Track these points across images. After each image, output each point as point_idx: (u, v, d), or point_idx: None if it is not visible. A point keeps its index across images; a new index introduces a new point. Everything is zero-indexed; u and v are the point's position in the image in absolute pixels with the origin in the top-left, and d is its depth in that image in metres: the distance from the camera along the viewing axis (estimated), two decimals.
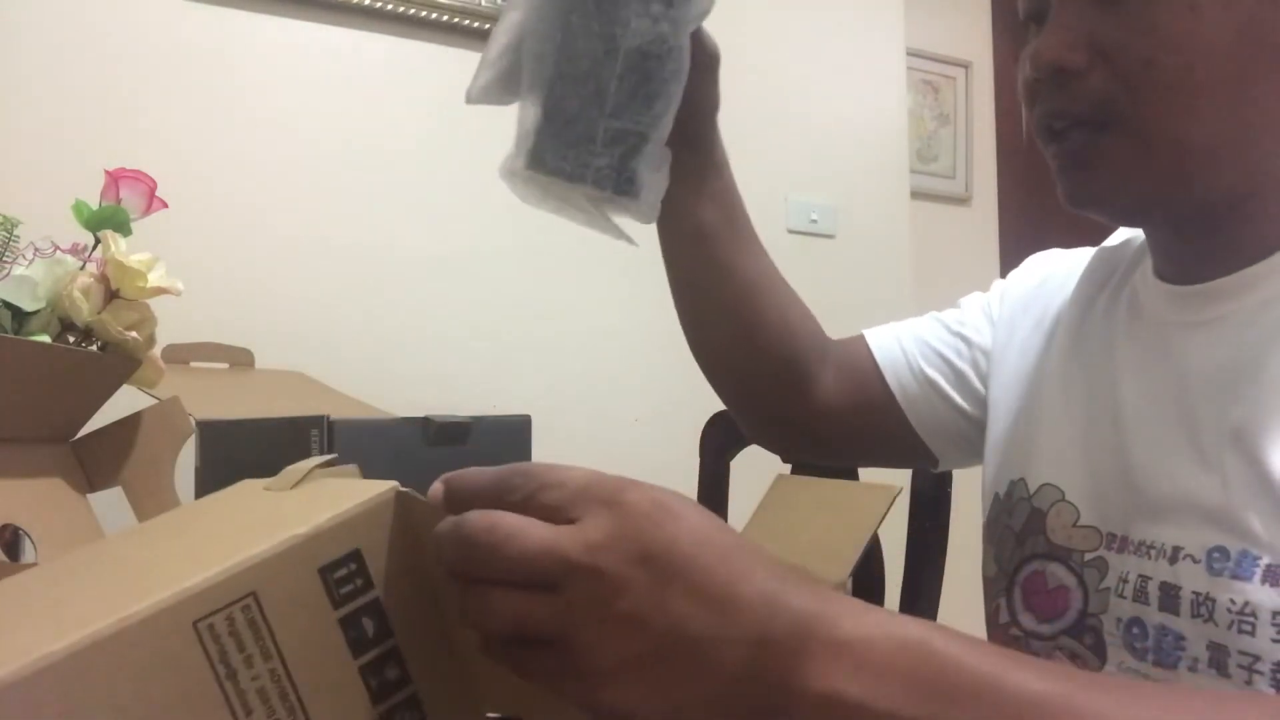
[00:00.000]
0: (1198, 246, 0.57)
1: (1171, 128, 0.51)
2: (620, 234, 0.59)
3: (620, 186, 0.56)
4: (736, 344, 0.72)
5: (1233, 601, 0.47)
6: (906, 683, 0.30)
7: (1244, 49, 0.50)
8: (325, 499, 0.38)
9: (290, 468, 0.42)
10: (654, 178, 0.57)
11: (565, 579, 0.32)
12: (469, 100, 0.59)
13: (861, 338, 0.78)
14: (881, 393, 0.74)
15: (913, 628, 0.32)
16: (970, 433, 0.72)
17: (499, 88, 0.58)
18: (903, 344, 0.75)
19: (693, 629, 0.31)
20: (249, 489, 0.43)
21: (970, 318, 0.75)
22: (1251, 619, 0.47)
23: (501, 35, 0.58)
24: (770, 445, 0.80)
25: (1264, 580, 0.47)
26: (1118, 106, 0.52)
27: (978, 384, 0.72)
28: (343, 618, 0.35)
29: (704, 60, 0.60)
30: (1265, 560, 0.47)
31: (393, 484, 0.37)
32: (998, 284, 0.76)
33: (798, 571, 0.33)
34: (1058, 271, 0.72)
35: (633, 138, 0.55)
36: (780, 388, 0.74)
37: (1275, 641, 0.46)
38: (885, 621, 0.32)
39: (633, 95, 0.55)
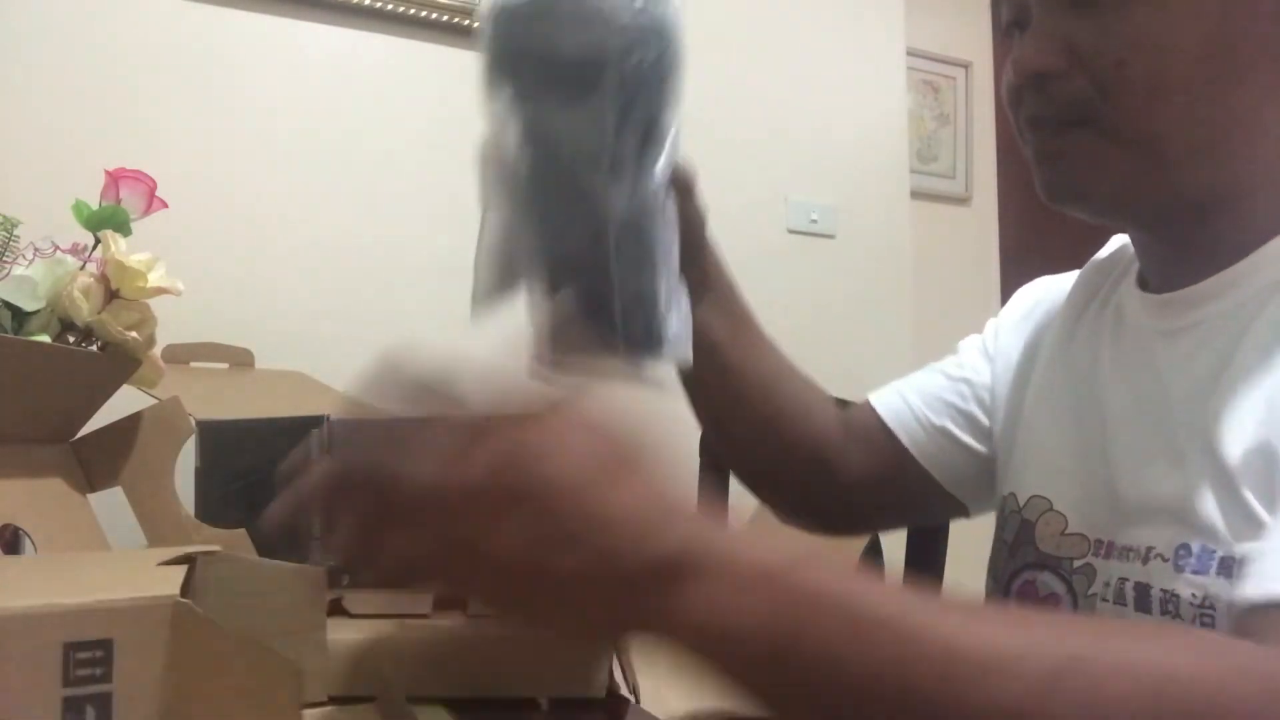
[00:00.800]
0: (1176, 250, 0.58)
1: (1141, 126, 0.53)
2: (655, 384, 0.57)
3: (650, 349, 0.54)
4: (760, 442, 0.74)
5: (1194, 595, 0.49)
6: (767, 606, 0.34)
7: (1213, 53, 0.51)
8: (124, 578, 0.39)
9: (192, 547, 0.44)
10: (677, 318, 0.56)
11: (444, 520, 0.37)
12: (475, 310, 0.57)
13: (867, 403, 0.78)
14: (897, 452, 0.74)
15: (777, 556, 0.36)
16: (991, 473, 0.73)
17: (500, 288, 0.57)
18: (907, 399, 0.76)
19: (565, 568, 0.36)
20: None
21: (968, 359, 0.76)
22: (1211, 611, 0.48)
23: (488, 237, 0.57)
24: (807, 528, 0.80)
25: (1219, 572, 0.48)
26: (1092, 106, 0.54)
27: (986, 422, 0.73)
28: (67, 697, 0.36)
29: (681, 186, 0.59)
30: (1220, 553, 0.48)
31: (173, 595, 0.38)
32: (991, 321, 0.77)
33: (673, 497, 0.37)
34: (1047, 297, 0.73)
35: (647, 298, 0.54)
36: (808, 474, 0.75)
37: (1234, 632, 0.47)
38: (751, 549, 0.36)
39: (635, 261, 0.54)
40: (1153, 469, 0.54)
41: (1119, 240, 0.70)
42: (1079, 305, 0.68)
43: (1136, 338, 0.60)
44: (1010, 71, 0.58)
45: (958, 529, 1.04)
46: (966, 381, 0.75)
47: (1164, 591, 0.51)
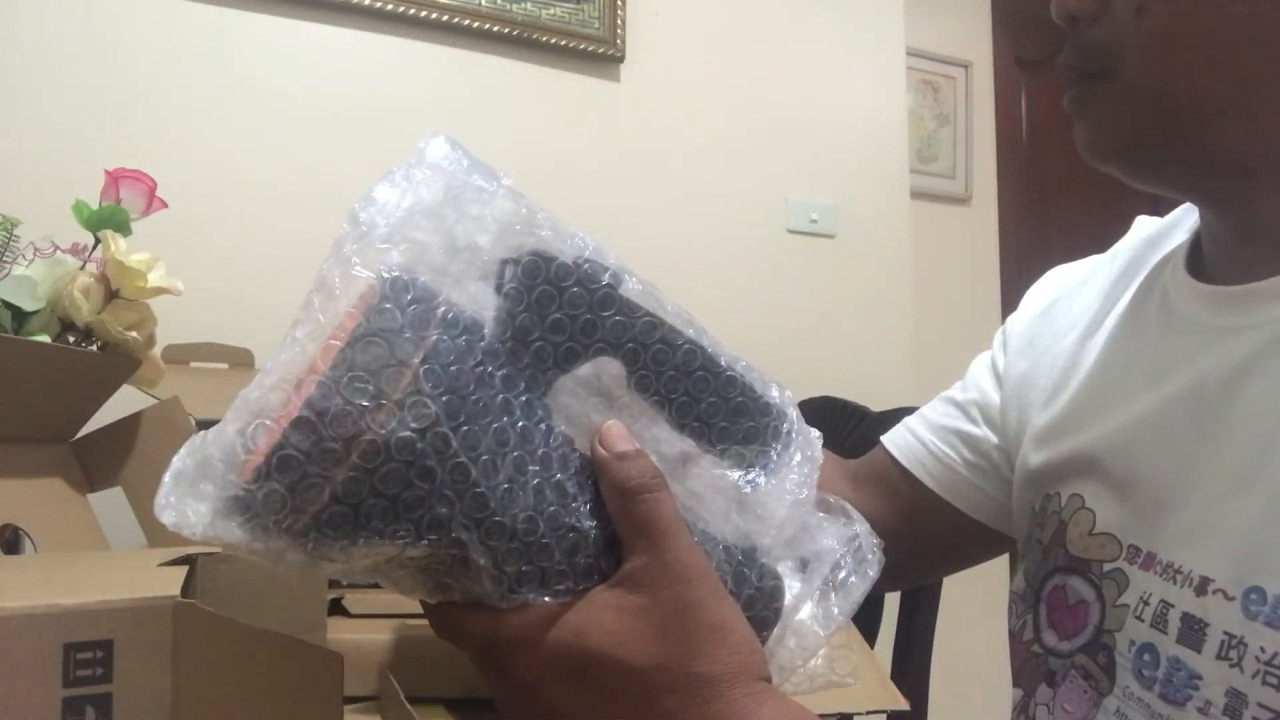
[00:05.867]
0: (1238, 232, 0.53)
1: (1155, 79, 0.49)
2: None
3: None
4: None
5: (1262, 650, 0.43)
6: None
7: (1240, 8, 0.47)
8: (124, 578, 0.39)
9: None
10: None
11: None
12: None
13: (880, 446, 0.74)
14: (918, 493, 0.70)
15: None
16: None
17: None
18: (918, 434, 0.72)
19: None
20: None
21: (976, 380, 0.72)
22: (1279, 671, 0.43)
23: None
24: None
25: None
26: (1110, 56, 0.51)
27: (998, 441, 0.69)
28: (67, 698, 0.36)
29: None
30: None
31: (174, 595, 0.38)
32: (998, 334, 0.73)
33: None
34: (1067, 287, 0.68)
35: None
36: None
37: None
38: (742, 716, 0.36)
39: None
40: (1207, 484, 0.49)
41: (1144, 222, 0.65)
42: (1116, 290, 0.63)
43: (1187, 332, 0.55)
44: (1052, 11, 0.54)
45: None
46: (976, 404, 0.71)
47: (1228, 635, 0.45)
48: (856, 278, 2.05)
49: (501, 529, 0.37)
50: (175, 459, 0.36)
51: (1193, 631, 0.47)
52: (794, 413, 0.47)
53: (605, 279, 0.42)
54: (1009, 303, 2.72)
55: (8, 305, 0.74)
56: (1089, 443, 0.57)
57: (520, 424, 0.38)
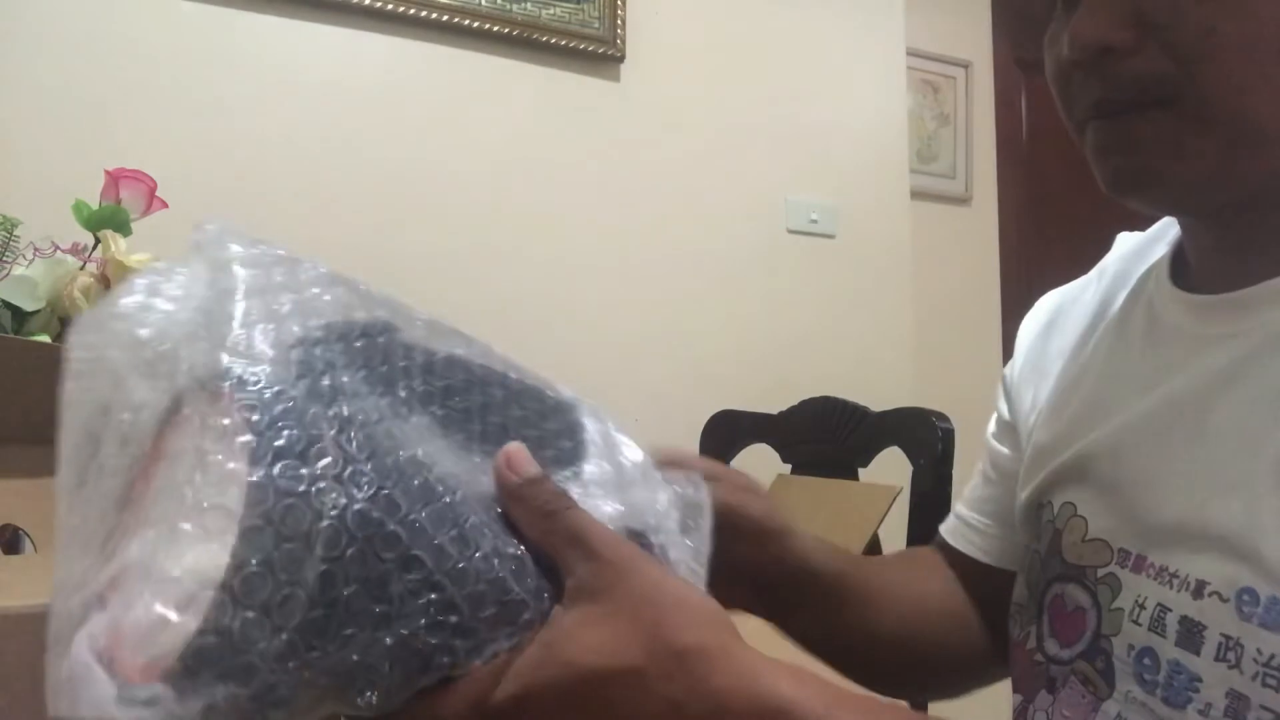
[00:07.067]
0: (1238, 245, 0.53)
1: (1235, 102, 0.47)
2: None
3: None
4: (901, 670, 0.69)
5: (1259, 651, 0.44)
6: None
7: None
8: None
9: None
10: None
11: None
12: None
13: (937, 535, 0.75)
14: (982, 571, 0.70)
15: (777, 702, 0.36)
16: None
17: None
18: (958, 514, 0.73)
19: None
20: None
21: (993, 441, 0.73)
22: (1278, 673, 0.43)
23: None
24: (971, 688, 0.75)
25: None
26: (1173, 84, 0.48)
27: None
28: None
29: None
30: None
31: None
32: (999, 387, 0.73)
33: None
34: (1063, 307, 0.68)
35: None
36: (956, 656, 0.70)
37: None
38: (750, 684, 0.37)
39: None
40: (1192, 488, 0.49)
41: (1125, 238, 0.66)
42: (1103, 306, 0.63)
43: (1173, 341, 0.55)
44: (1063, 48, 0.51)
45: None
46: (997, 468, 0.71)
47: (1226, 638, 0.45)
48: (856, 278, 2.05)
49: (465, 575, 0.36)
50: (62, 677, 0.32)
51: (1191, 634, 0.47)
52: (577, 397, 0.48)
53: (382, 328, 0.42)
54: (1009, 303, 2.73)
55: (8, 305, 0.75)
56: (1080, 452, 0.58)
57: (435, 469, 0.37)
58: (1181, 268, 0.58)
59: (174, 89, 1.50)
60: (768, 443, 1.38)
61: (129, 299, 0.37)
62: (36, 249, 0.79)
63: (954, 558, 0.72)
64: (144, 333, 0.36)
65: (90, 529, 0.35)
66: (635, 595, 0.37)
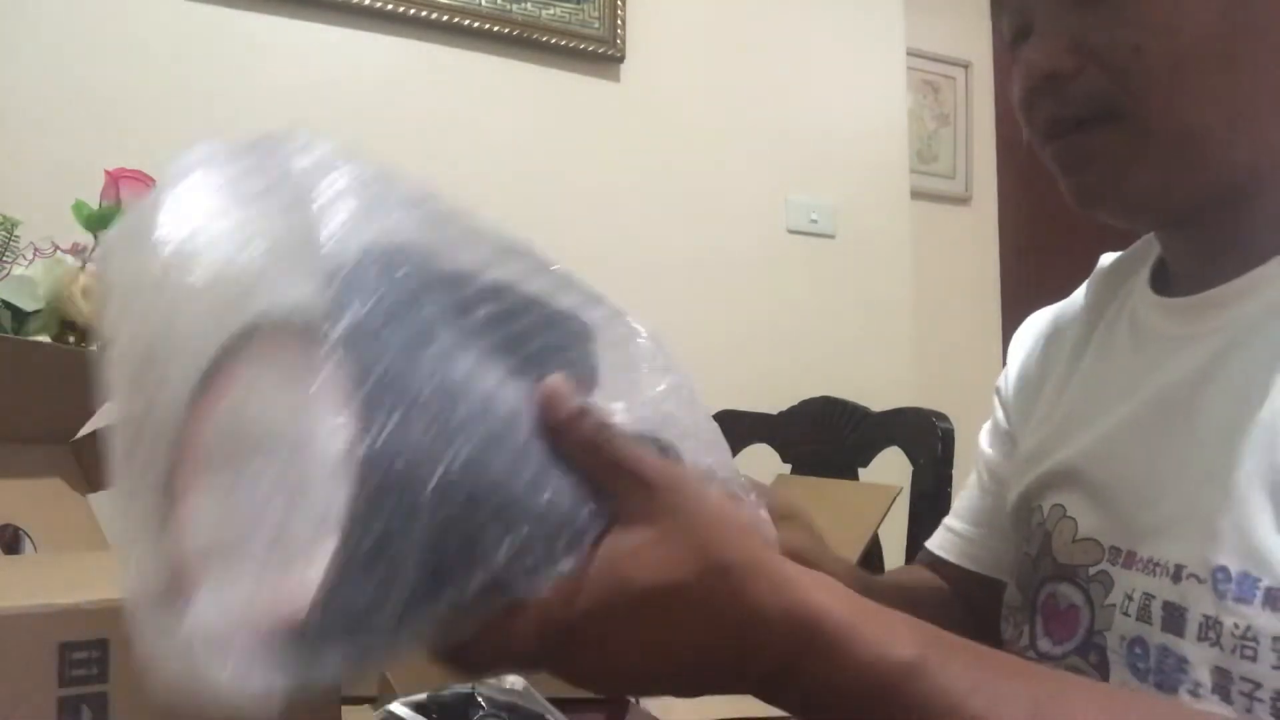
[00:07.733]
0: (1207, 248, 0.56)
1: (1169, 113, 0.51)
2: None
3: None
4: None
5: (1236, 625, 0.46)
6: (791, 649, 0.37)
7: (1230, 29, 0.50)
8: (121, 578, 0.37)
9: None
10: None
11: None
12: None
13: (924, 551, 0.76)
14: (973, 580, 0.71)
15: (807, 611, 0.38)
16: None
17: None
18: (948, 526, 0.74)
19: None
20: None
21: (987, 448, 0.74)
22: (1253, 644, 0.46)
23: None
24: None
25: (1265, 604, 0.45)
26: (1114, 100, 0.52)
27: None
28: (63, 698, 0.36)
29: None
30: (1265, 582, 0.46)
31: None
32: (995, 396, 0.75)
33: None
34: (1051, 324, 0.71)
35: None
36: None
37: (1275, 668, 0.45)
38: (784, 594, 0.38)
39: None
40: (1178, 481, 0.51)
41: (1108, 257, 0.68)
42: (1091, 321, 0.66)
43: (1151, 344, 0.58)
44: (1021, 77, 0.56)
45: None
46: (990, 474, 0.73)
47: (1205, 617, 0.48)
48: (856, 278, 2.05)
49: (545, 515, 0.36)
50: (176, 662, 0.30)
51: (1174, 618, 0.49)
52: (614, 310, 0.48)
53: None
54: (1009, 303, 2.73)
55: (8, 305, 0.75)
56: (1068, 456, 0.60)
57: (501, 409, 0.37)
58: (1163, 276, 0.61)
59: (174, 89, 1.50)
60: (768, 443, 1.38)
61: (179, 204, 0.34)
62: (36, 249, 0.79)
63: (944, 570, 0.74)
64: (201, 252, 0.33)
65: (143, 472, 0.33)
66: (687, 516, 0.39)
